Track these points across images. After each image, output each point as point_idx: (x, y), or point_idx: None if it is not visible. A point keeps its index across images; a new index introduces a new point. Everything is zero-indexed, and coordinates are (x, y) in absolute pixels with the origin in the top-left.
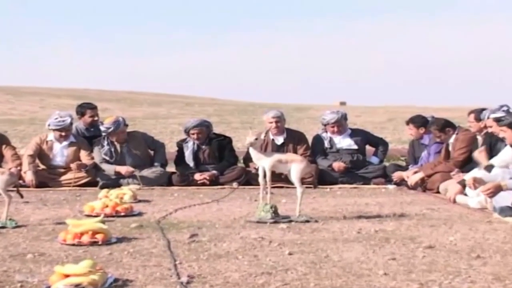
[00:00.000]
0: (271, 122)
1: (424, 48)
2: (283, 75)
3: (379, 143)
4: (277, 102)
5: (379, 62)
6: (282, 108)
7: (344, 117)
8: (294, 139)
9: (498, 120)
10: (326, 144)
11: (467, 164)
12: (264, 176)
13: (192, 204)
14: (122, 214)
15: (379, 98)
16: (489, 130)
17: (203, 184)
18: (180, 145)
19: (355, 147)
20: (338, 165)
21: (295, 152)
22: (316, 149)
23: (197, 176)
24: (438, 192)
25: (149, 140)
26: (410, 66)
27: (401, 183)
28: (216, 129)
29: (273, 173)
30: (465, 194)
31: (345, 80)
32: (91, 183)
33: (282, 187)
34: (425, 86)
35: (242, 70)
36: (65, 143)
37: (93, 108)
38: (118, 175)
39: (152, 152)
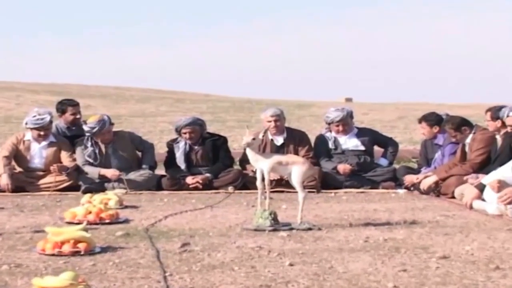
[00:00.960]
0: (269, 121)
1: (439, 39)
2: (283, 69)
3: (389, 144)
4: (276, 98)
5: (388, 54)
6: (282, 105)
7: (350, 115)
8: (295, 139)
9: None
10: (330, 145)
11: (485, 166)
12: (263, 179)
13: (183, 210)
14: (107, 221)
15: (388, 94)
16: (509, 129)
17: (196, 189)
18: (171, 146)
19: (362, 148)
20: (343, 167)
21: (296, 153)
22: (319, 150)
23: (189, 180)
24: (453, 197)
25: (136, 140)
26: (423, 59)
27: (413, 187)
28: (210, 128)
29: (272, 177)
30: (483, 199)
31: (351, 74)
32: (73, 188)
33: (282, 191)
34: (440, 81)
35: (238, 63)
36: (44, 143)
37: (75, 105)
38: (103, 178)
39: (139, 154)
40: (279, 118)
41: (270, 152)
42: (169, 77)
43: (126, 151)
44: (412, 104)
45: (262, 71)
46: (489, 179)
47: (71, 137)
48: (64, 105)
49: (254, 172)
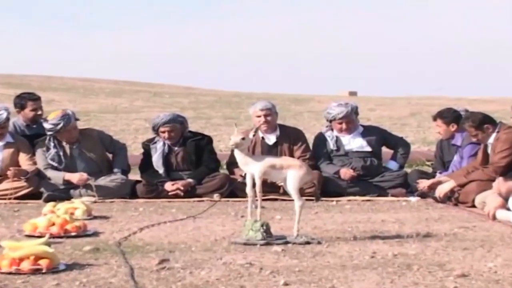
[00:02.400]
0: (259, 116)
1: (456, 24)
2: (276, 57)
3: (399, 144)
4: (269, 91)
5: (399, 41)
6: (276, 100)
7: (354, 111)
8: (289, 138)
9: None
10: (332, 145)
11: (511, 170)
12: (253, 185)
13: (161, 221)
14: (73, 234)
15: (399, 87)
16: None
17: (176, 196)
18: (147, 147)
19: (368, 149)
20: (346, 172)
21: (291, 154)
22: (319, 152)
23: (168, 186)
24: (473, 206)
25: (106, 140)
26: (439, 47)
27: (427, 194)
28: (192, 126)
29: (264, 182)
30: (508, 209)
31: (355, 63)
32: (34, 195)
33: (275, 199)
34: (458, 72)
35: (224, 51)
36: None
37: (36, 99)
38: (68, 184)
39: (110, 156)
40: (270, 112)
41: (261, 153)
42: (145, 67)
43: (95, 153)
44: (426, 99)
45: (253, 59)
46: None
47: (31, 136)
48: (23, 100)
49: (244, 177)
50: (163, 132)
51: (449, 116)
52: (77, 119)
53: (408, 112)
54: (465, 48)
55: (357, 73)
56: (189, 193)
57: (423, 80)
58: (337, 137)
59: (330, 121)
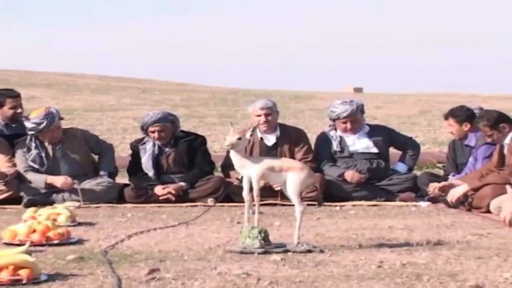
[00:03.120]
0: (258, 115)
1: (469, 15)
2: (275, 51)
3: (408, 145)
4: (267, 88)
5: (407, 34)
6: (275, 97)
7: (360, 109)
8: (290, 139)
9: None
10: (335, 146)
11: None
12: (251, 189)
13: (151, 228)
14: (56, 242)
15: (408, 83)
16: None
17: (167, 201)
18: (136, 148)
19: (375, 150)
20: (352, 174)
21: (292, 156)
22: (322, 153)
23: (159, 190)
24: (488, 211)
25: (92, 141)
26: (450, 40)
27: (438, 199)
28: (184, 125)
29: (263, 186)
30: None
31: (361, 58)
32: (13, 200)
33: (275, 204)
34: (472, 67)
35: (219, 44)
36: None
37: (15, 96)
38: (51, 188)
39: (96, 157)
40: (270, 111)
41: (260, 154)
42: (133, 62)
43: (80, 154)
44: (437, 96)
45: (250, 53)
46: None
47: (10, 136)
48: (1, 97)
49: (240, 181)
50: (153, 131)
51: (462, 114)
52: (61, 118)
53: (418, 110)
54: (479, 41)
55: (363, 67)
56: (181, 197)
57: (434, 76)
58: (341, 137)
59: (334, 120)
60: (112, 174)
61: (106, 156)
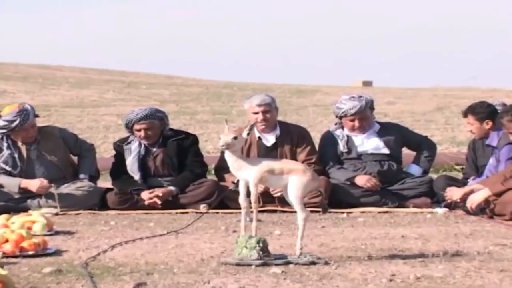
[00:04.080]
0: (256, 112)
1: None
2: (275, 41)
3: (423, 145)
4: (267, 81)
5: (421, 22)
6: (274, 91)
7: (369, 106)
8: (291, 138)
9: None
10: (342, 147)
11: None
12: (248, 194)
13: (137, 237)
14: (30, 252)
15: (422, 76)
16: None
17: (155, 207)
18: (120, 148)
19: (386, 150)
20: (368, 178)
21: (294, 157)
22: (327, 154)
23: (146, 195)
24: None
25: (71, 140)
26: (469, 28)
27: (456, 205)
28: (174, 123)
29: (262, 191)
30: None
31: (370, 48)
32: None
33: (274, 211)
34: (493, 58)
35: (212, 33)
36: None
37: None
38: (25, 192)
39: (76, 159)
40: (269, 108)
41: (258, 155)
42: (117, 53)
43: (57, 155)
44: (455, 90)
45: (247, 43)
46: None
47: None
48: None
49: (236, 184)
50: (139, 130)
51: (483, 111)
52: (36, 116)
53: (434, 106)
54: (501, 30)
55: (373, 59)
56: (171, 203)
57: (452, 68)
58: (348, 136)
59: (340, 118)
60: (93, 178)
61: (86, 158)
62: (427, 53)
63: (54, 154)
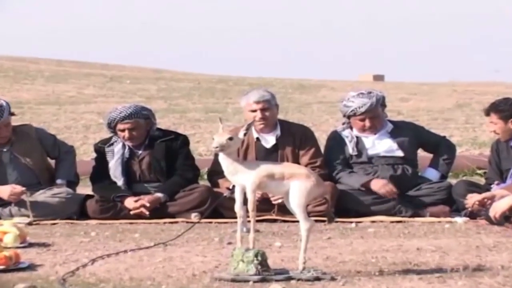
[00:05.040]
0: (253, 110)
1: None
2: (275, 31)
3: (441, 146)
4: (265, 76)
5: (437, 9)
6: (274, 86)
7: (381, 103)
8: (294, 139)
9: None
10: (351, 149)
11: None
12: (245, 202)
13: (121, 250)
14: (1, 267)
15: (440, 69)
16: None
17: (140, 216)
18: (101, 150)
19: (400, 153)
20: (386, 185)
21: (296, 161)
22: (333, 157)
23: (130, 203)
24: None
25: (48, 142)
26: (491, 14)
27: (478, 213)
28: (162, 123)
29: (260, 198)
30: None
31: (381, 39)
32: None
33: (274, 220)
34: None
35: (204, 22)
36: None
37: None
38: None
39: (53, 163)
40: (268, 105)
41: (256, 158)
42: (98, 44)
43: (32, 158)
44: (477, 85)
45: (244, 33)
46: None
47: None
48: None
49: (232, 191)
50: (123, 130)
51: (507, 109)
52: (12, 114)
53: (453, 103)
54: None
55: (383, 50)
56: (158, 212)
57: (472, 61)
58: (357, 137)
59: (349, 117)
60: (72, 183)
61: (65, 161)
62: (445, 43)
63: (29, 157)
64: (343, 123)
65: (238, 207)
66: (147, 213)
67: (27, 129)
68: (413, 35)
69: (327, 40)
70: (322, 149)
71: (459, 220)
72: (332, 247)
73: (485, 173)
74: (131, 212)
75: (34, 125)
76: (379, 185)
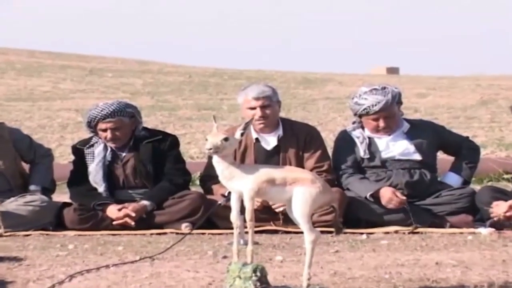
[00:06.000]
0: (252, 108)
1: None
2: (276, 19)
3: (463, 148)
4: (265, 68)
5: None
6: (276, 81)
7: (396, 100)
8: (297, 140)
9: None
10: (362, 152)
11: None
12: (242, 210)
13: (102, 264)
14: None
15: (461, 62)
16: None
17: (124, 227)
18: (80, 152)
19: (417, 156)
20: (392, 195)
21: (300, 164)
22: (342, 160)
23: (113, 211)
24: None
25: (23, 143)
26: None
27: (504, 224)
28: (148, 121)
29: (260, 206)
30: None
31: (396, 28)
32: None
33: (275, 231)
34: None
35: (196, 9)
36: None
37: None
38: None
39: (27, 166)
40: (269, 102)
41: (255, 161)
42: (75, 32)
43: (5, 162)
44: (503, 79)
45: (240, 21)
46: None
47: None
48: None
49: (227, 198)
50: (104, 130)
51: None
52: None
53: (477, 99)
54: None
55: (399, 41)
56: (144, 222)
57: (498, 53)
58: (369, 138)
59: (360, 116)
60: (47, 190)
61: (40, 165)
62: (467, 32)
63: (1, 160)
64: (353, 122)
65: (234, 217)
66: (132, 223)
67: (0, 130)
68: (431, 23)
69: (335, 29)
70: (329, 151)
71: (483, 231)
72: (340, 262)
73: None
74: (114, 222)
75: (6, 124)
76: (386, 199)
